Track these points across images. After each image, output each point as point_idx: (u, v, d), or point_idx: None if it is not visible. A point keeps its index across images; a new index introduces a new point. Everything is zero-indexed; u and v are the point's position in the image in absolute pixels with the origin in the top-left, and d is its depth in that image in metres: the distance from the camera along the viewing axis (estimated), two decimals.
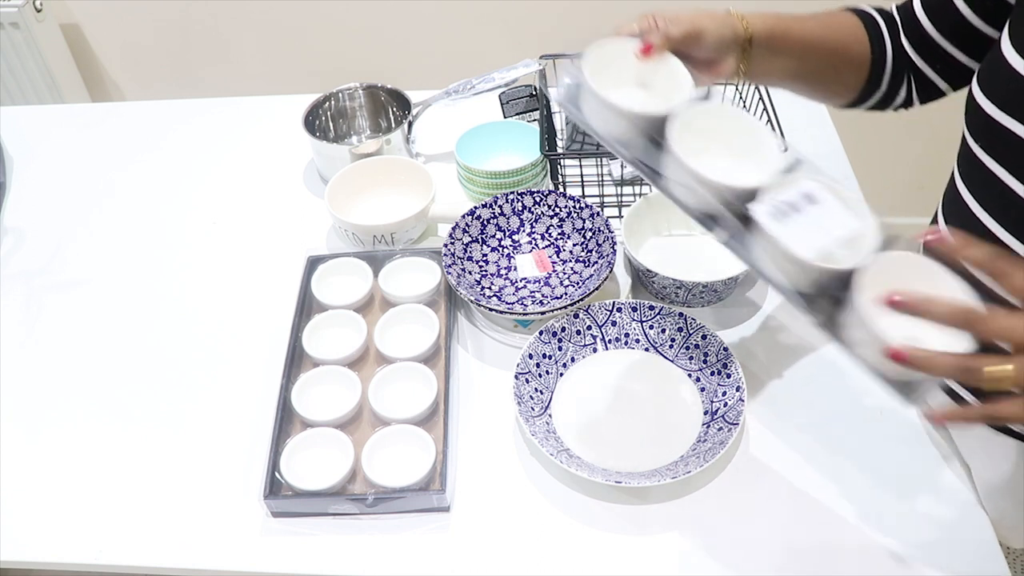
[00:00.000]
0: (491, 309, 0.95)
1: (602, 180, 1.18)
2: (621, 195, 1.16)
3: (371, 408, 0.88)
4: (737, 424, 0.83)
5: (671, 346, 0.94)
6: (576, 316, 0.95)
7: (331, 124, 1.29)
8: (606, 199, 1.15)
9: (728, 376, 0.89)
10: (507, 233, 1.07)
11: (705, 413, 0.89)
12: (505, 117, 1.23)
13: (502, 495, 0.84)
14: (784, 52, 0.82)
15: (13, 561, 0.82)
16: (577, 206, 1.06)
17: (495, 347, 0.98)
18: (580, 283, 1.02)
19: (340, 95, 1.28)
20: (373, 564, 0.79)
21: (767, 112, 1.08)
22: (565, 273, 1.04)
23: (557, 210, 1.07)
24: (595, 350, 0.96)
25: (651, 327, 0.95)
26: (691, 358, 0.93)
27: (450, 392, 0.90)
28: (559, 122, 1.23)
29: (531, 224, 1.08)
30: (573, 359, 0.95)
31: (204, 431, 0.92)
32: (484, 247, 1.06)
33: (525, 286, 1.04)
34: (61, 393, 0.97)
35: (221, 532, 0.82)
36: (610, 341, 0.96)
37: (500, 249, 1.07)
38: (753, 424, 0.88)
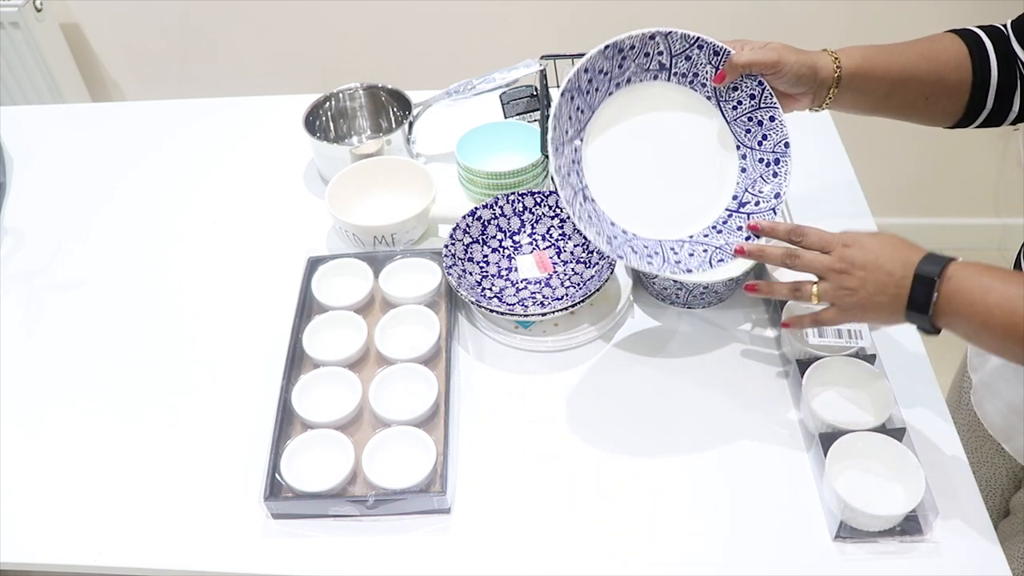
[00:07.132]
0: (492, 310, 0.95)
1: None
2: None
3: (371, 409, 0.88)
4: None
5: (735, 107, 0.85)
6: (652, 38, 0.81)
7: (331, 124, 1.29)
8: None
9: (775, 175, 0.81)
10: (508, 234, 1.07)
11: (733, 198, 0.81)
12: (506, 117, 1.23)
13: (503, 497, 0.84)
14: (873, 89, 0.84)
15: (13, 562, 0.82)
16: None
17: (496, 348, 0.98)
18: (581, 284, 1.02)
19: (340, 95, 1.28)
20: (373, 566, 0.79)
21: None
22: (566, 274, 1.04)
23: (558, 211, 1.07)
24: (656, 78, 0.83)
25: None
26: (748, 131, 0.85)
27: (451, 393, 0.90)
28: None
29: (532, 225, 1.08)
30: (629, 80, 0.83)
31: (204, 432, 0.92)
32: (485, 248, 1.06)
33: (526, 287, 1.03)
34: (61, 394, 0.97)
35: (221, 534, 0.82)
36: (676, 74, 0.83)
37: (501, 250, 1.07)
38: (756, 427, 0.88)
